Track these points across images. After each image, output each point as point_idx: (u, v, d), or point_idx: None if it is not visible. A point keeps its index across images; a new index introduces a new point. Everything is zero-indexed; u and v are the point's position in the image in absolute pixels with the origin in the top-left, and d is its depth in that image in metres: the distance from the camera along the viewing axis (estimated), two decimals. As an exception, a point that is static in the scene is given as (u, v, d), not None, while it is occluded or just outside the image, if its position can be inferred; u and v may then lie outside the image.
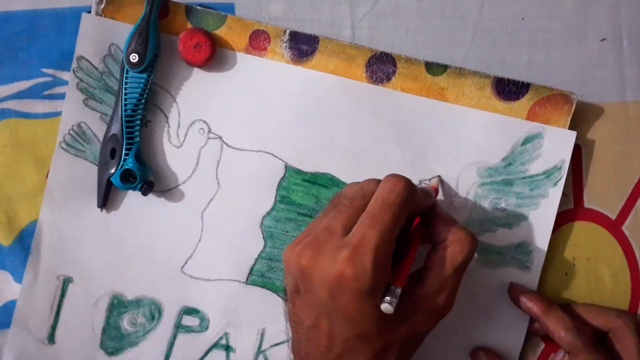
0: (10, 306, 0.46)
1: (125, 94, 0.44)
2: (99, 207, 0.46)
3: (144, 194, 0.45)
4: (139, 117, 0.45)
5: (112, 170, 0.45)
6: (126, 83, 0.44)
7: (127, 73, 0.44)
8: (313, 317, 0.39)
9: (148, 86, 0.45)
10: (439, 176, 0.47)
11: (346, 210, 0.39)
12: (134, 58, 0.43)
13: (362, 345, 0.38)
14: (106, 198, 0.46)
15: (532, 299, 0.46)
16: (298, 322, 0.40)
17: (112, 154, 0.45)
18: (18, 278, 0.46)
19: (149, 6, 0.44)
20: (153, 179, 0.46)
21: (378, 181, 0.40)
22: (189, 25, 0.45)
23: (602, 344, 0.45)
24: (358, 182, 0.42)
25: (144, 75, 0.44)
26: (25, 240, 0.46)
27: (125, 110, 0.44)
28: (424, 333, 0.41)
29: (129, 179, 0.45)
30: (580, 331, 0.44)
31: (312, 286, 0.37)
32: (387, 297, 0.37)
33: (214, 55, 0.45)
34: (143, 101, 0.45)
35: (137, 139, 0.45)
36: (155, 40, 0.44)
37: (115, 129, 0.44)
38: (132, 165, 0.44)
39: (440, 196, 0.47)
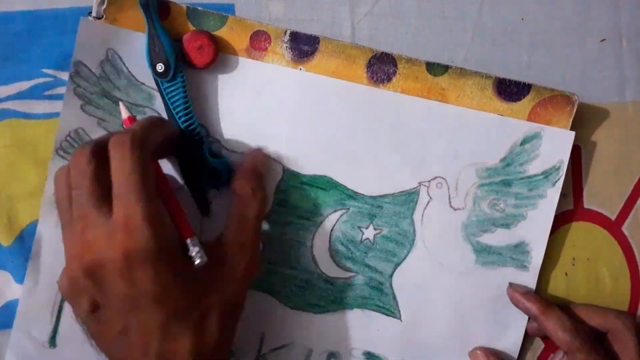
0: (10, 306, 0.47)
1: (172, 104, 0.44)
2: (203, 213, 0.45)
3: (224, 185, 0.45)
4: (193, 119, 0.44)
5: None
6: (167, 94, 0.44)
7: (162, 85, 0.44)
8: (121, 322, 0.37)
9: (186, 88, 0.44)
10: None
11: (84, 200, 0.37)
12: (160, 68, 0.43)
13: (179, 326, 0.37)
14: (205, 203, 0.45)
15: (530, 299, 0.46)
16: (106, 335, 0.38)
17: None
18: (18, 278, 0.47)
19: (147, 16, 0.44)
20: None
21: (85, 154, 0.37)
22: (190, 26, 0.46)
23: (601, 345, 0.46)
24: (60, 169, 0.39)
25: (178, 79, 0.44)
26: (25, 241, 0.47)
27: (182, 121, 0.44)
28: (237, 301, 0.41)
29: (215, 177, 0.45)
30: (578, 331, 0.45)
31: (107, 286, 0.36)
32: (193, 251, 0.37)
33: (217, 57, 0.45)
34: (189, 105, 0.44)
35: (204, 139, 0.45)
36: (169, 42, 0.44)
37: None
38: (215, 163, 0.45)
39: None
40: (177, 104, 0.44)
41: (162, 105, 0.45)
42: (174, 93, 0.44)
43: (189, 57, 0.45)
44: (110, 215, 0.36)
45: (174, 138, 0.42)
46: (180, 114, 0.44)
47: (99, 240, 0.36)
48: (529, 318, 0.48)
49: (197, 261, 0.37)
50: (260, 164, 0.45)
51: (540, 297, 0.47)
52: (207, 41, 0.45)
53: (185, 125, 0.44)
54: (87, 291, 0.37)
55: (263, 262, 0.47)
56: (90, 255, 0.36)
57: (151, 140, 0.39)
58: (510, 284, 0.47)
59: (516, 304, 0.47)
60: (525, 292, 0.47)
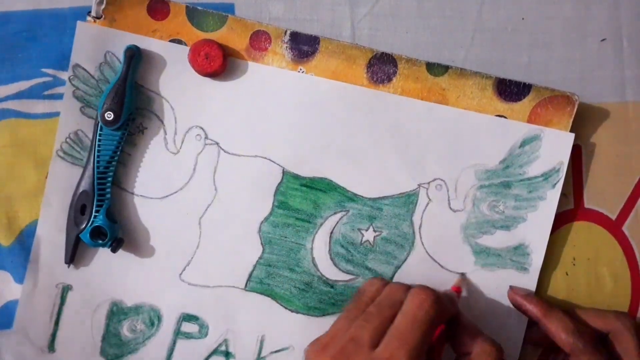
0: (10, 306, 0.48)
1: (99, 150, 0.45)
2: (66, 263, 0.47)
3: (114, 251, 0.47)
4: (111, 173, 0.46)
5: (82, 227, 0.46)
6: (100, 140, 0.45)
7: (101, 130, 0.45)
8: None
9: (122, 143, 0.46)
10: (462, 274, 0.49)
11: (374, 320, 0.41)
12: (109, 116, 0.45)
13: None
14: (74, 254, 0.47)
15: (531, 302, 0.47)
16: None
17: (82, 210, 0.46)
18: (18, 278, 0.48)
19: (125, 64, 0.45)
20: (122, 235, 0.48)
21: (407, 288, 0.42)
22: (190, 26, 0.47)
23: (603, 346, 0.47)
24: (381, 280, 0.45)
25: (119, 133, 0.46)
26: (25, 241, 0.48)
27: (98, 167, 0.45)
28: None
29: (99, 235, 0.46)
30: (581, 333, 0.45)
31: None
32: None
33: (226, 66, 0.47)
34: (116, 158, 0.46)
35: (109, 195, 0.46)
36: (131, 98, 0.45)
37: (86, 185, 0.46)
38: (102, 223, 0.46)
39: (463, 293, 0.48)
40: (103, 153, 0.45)
41: (161, 108, 0.47)
42: (107, 143, 0.45)
43: (195, 65, 0.46)
44: (376, 344, 0.39)
45: (443, 321, 0.44)
46: (100, 165, 0.45)
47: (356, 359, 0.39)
48: (528, 321, 0.49)
49: None
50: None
51: (541, 298, 0.48)
52: (215, 50, 0.46)
53: (99, 176, 0.45)
54: None
55: (263, 265, 0.49)
56: None
57: (445, 312, 0.42)
58: (511, 287, 0.48)
59: (517, 307, 0.48)
60: (526, 294, 0.48)
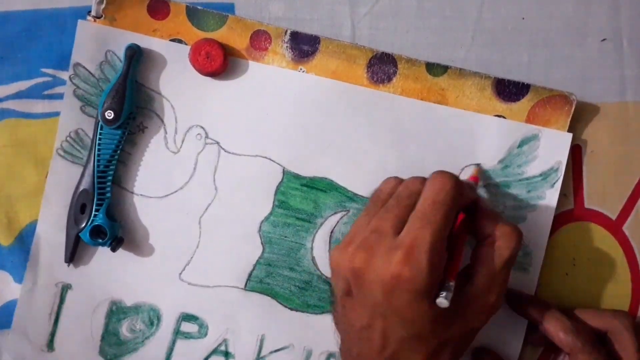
0: (10, 306, 0.49)
1: (99, 149, 0.46)
2: (66, 262, 0.48)
3: (113, 250, 0.48)
4: (112, 172, 0.47)
5: (82, 226, 0.47)
6: (100, 139, 0.46)
7: (101, 129, 0.46)
8: (366, 318, 0.41)
9: (122, 142, 0.47)
10: (478, 165, 0.49)
11: (394, 210, 0.41)
12: (110, 115, 0.46)
13: (417, 345, 0.41)
14: (74, 253, 0.48)
15: (530, 303, 0.48)
16: (349, 323, 0.43)
17: (82, 209, 0.47)
18: (18, 278, 0.49)
19: (126, 62, 0.46)
20: (122, 234, 0.49)
21: (423, 180, 0.43)
22: (190, 25, 0.48)
23: (602, 345, 0.47)
24: (396, 178, 0.45)
25: (119, 132, 0.47)
26: (25, 241, 0.49)
27: (98, 166, 0.46)
28: (475, 330, 0.43)
29: (99, 234, 0.47)
30: (579, 332, 0.46)
31: (366, 288, 0.40)
32: (443, 292, 0.39)
33: (227, 65, 0.48)
34: (116, 157, 0.47)
35: (109, 194, 0.47)
36: (132, 97, 0.46)
37: (86, 183, 0.47)
38: (102, 222, 0.47)
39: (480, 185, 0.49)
40: (103, 152, 0.46)
41: (161, 107, 0.48)
42: (107, 142, 0.46)
43: (196, 65, 0.47)
44: (399, 232, 0.40)
45: (464, 206, 0.44)
46: (100, 163, 0.47)
47: (379, 248, 0.40)
48: (527, 324, 0.50)
49: (439, 300, 0.39)
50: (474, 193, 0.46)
51: (540, 299, 0.49)
52: (216, 49, 0.47)
53: (99, 175, 0.47)
54: (347, 279, 0.41)
55: (263, 265, 0.50)
56: (364, 256, 0.40)
57: (465, 195, 0.43)
58: (508, 291, 0.48)
59: (516, 310, 0.49)
60: (524, 297, 0.49)
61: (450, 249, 0.42)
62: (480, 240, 0.43)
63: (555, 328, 0.47)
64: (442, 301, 0.39)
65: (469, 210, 0.44)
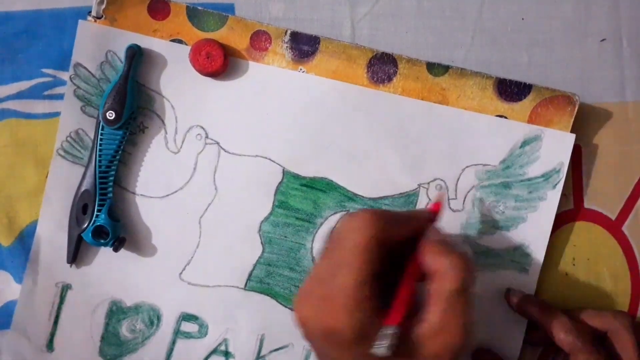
0: (10, 306, 0.50)
1: (100, 150, 0.47)
2: (68, 262, 0.49)
3: (116, 250, 0.48)
4: (113, 173, 0.48)
5: (84, 226, 0.48)
6: (101, 139, 0.47)
7: (102, 129, 0.47)
8: None
9: (124, 143, 0.48)
10: (441, 188, 0.49)
11: (326, 253, 0.40)
12: (111, 115, 0.46)
13: None
14: (76, 253, 0.49)
15: (530, 303, 0.49)
16: None
17: (84, 209, 0.48)
18: (18, 278, 0.49)
19: (127, 63, 0.47)
20: (126, 235, 0.49)
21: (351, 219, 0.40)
22: (190, 26, 0.48)
23: (602, 345, 0.48)
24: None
25: (120, 132, 0.47)
26: (25, 241, 0.50)
27: (100, 167, 0.47)
28: None
29: (100, 234, 0.48)
30: (580, 332, 0.46)
31: (313, 342, 0.40)
32: (377, 342, 0.37)
33: (227, 65, 0.48)
34: (118, 157, 0.48)
35: (110, 195, 0.48)
36: (133, 97, 0.47)
37: (88, 184, 0.48)
38: (104, 222, 0.47)
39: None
40: (105, 152, 0.47)
41: (162, 107, 0.49)
42: (109, 142, 0.47)
43: (196, 65, 0.48)
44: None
45: (403, 238, 0.41)
46: (102, 164, 0.47)
47: (313, 297, 0.39)
48: (528, 322, 0.50)
49: (373, 351, 0.37)
50: (438, 219, 0.43)
51: (540, 299, 0.50)
52: (216, 49, 0.47)
53: (101, 176, 0.47)
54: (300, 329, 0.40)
55: (263, 265, 0.50)
56: (305, 306, 0.39)
57: (394, 231, 0.40)
58: (508, 290, 0.50)
59: (516, 309, 0.49)
60: (524, 296, 0.49)
61: (392, 292, 0.40)
62: (430, 276, 0.40)
63: (555, 328, 0.47)
64: (376, 351, 0.37)
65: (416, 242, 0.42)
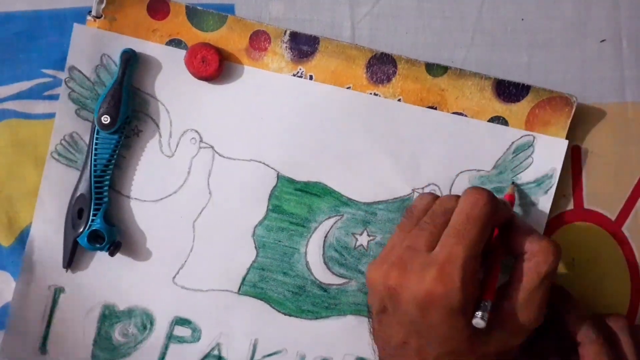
0: (10, 307, 0.51)
1: (95, 154, 0.49)
2: (64, 267, 0.50)
3: (112, 254, 0.50)
4: (108, 177, 0.49)
5: (80, 231, 0.49)
6: (96, 144, 0.49)
7: (97, 134, 0.48)
8: (402, 335, 0.44)
9: (119, 147, 0.49)
10: (513, 184, 0.51)
11: (428, 227, 0.44)
12: (106, 120, 0.48)
13: None
14: (72, 258, 0.50)
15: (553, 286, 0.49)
16: (385, 339, 0.45)
17: (80, 213, 0.49)
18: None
19: (122, 67, 0.48)
20: (120, 239, 0.51)
21: (457, 197, 0.45)
22: (190, 26, 0.50)
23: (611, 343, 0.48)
24: (430, 194, 0.48)
25: (115, 137, 0.49)
26: (25, 241, 0.51)
27: (95, 171, 0.49)
28: (513, 348, 0.45)
29: (96, 239, 0.49)
30: (595, 323, 0.48)
31: (401, 305, 0.42)
32: (479, 312, 0.41)
33: (222, 70, 0.50)
34: (113, 162, 0.49)
35: (106, 199, 0.50)
36: (128, 101, 0.48)
37: (83, 188, 0.49)
38: (100, 226, 0.49)
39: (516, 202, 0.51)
40: (100, 157, 0.49)
41: (156, 111, 0.50)
42: (104, 146, 0.49)
43: (192, 69, 0.49)
44: (433, 249, 0.42)
45: (498, 223, 0.46)
46: (97, 168, 0.49)
47: (413, 266, 0.42)
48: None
49: (475, 321, 0.41)
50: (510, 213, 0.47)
51: (559, 285, 0.51)
52: (211, 54, 0.49)
53: (96, 180, 0.49)
54: (382, 297, 0.44)
55: (257, 269, 0.52)
56: (398, 274, 0.42)
57: (500, 212, 0.45)
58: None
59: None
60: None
61: (486, 266, 0.44)
62: (518, 256, 0.45)
63: (571, 314, 0.49)
64: (479, 322, 0.41)
65: (504, 228, 0.46)
